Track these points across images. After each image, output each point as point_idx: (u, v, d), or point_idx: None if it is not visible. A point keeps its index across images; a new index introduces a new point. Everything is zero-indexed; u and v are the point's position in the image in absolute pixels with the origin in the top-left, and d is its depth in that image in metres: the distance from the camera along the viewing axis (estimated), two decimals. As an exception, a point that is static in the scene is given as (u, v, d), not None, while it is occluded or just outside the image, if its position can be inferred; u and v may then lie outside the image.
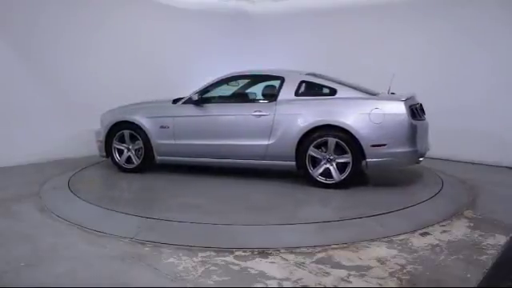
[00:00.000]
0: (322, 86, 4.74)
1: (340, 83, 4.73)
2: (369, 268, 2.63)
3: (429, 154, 4.67)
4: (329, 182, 4.40)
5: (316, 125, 4.40)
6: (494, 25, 5.76)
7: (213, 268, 2.63)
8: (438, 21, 6.30)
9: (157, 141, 5.09)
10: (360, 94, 4.53)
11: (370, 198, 4.08)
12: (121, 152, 5.26)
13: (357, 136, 4.25)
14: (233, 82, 5.37)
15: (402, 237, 3.14)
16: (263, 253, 2.85)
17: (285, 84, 4.77)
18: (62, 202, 4.08)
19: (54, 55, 6.15)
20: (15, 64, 5.79)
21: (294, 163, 4.57)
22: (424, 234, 3.21)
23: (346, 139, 4.30)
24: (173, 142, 5.05)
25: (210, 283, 2.45)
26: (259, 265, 2.68)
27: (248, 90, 5.49)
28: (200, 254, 2.83)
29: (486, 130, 5.84)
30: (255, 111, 4.69)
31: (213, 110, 4.96)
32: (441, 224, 3.43)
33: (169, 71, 7.38)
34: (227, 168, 5.07)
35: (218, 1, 8.14)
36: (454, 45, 6.11)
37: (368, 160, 4.29)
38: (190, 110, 5.01)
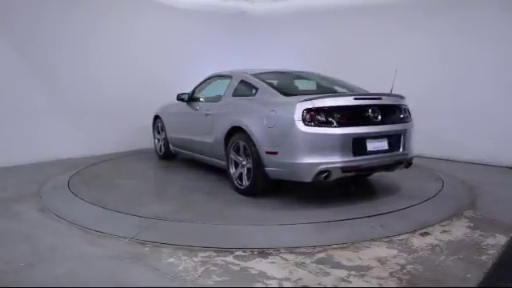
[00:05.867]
0: (251, 86, 4.39)
1: (269, 83, 4.27)
2: (369, 268, 2.63)
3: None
4: (241, 187, 4.13)
5: (230, 126, 4.21)
6: (495, 26, 5.76)
7: (213, 268, 2.63)
8: (438, 21, 6.29)
9: (168, 134, 5.88)
10: (273, 95, 4.03)
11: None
12: (159, 141, 6.23)
13: (253, 140, 3.90)
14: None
15: (402, 237, 3.13)
16: (263, 253, 2.85)
17: (230, 84, 4.69)
18: (61, 201, 4.08)
19: (54, 55, 6.14)
20: (15, 64, 5.78)
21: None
22: (424, 234, 3.20)
23: (248, 143, 3.97)
24: (173, 135, 5.77)
25: (210, 283, 2.44)
26: (259, 265, 2.68)
27: (213, 90, 5.32)
28: (200, 254, 2.83)
29: (486, 129, 5.83)
30: (206, 110, 4.82)
31: (190, 108, 5.26)
32: (441, 224, 3.42)
33: (167, 71, 7.38)
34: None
35: (218, 1, 8.13)
36: (456, 45, 6.10)
37: (266, 168, 3.85)
38: (181, 107, 5.42)
